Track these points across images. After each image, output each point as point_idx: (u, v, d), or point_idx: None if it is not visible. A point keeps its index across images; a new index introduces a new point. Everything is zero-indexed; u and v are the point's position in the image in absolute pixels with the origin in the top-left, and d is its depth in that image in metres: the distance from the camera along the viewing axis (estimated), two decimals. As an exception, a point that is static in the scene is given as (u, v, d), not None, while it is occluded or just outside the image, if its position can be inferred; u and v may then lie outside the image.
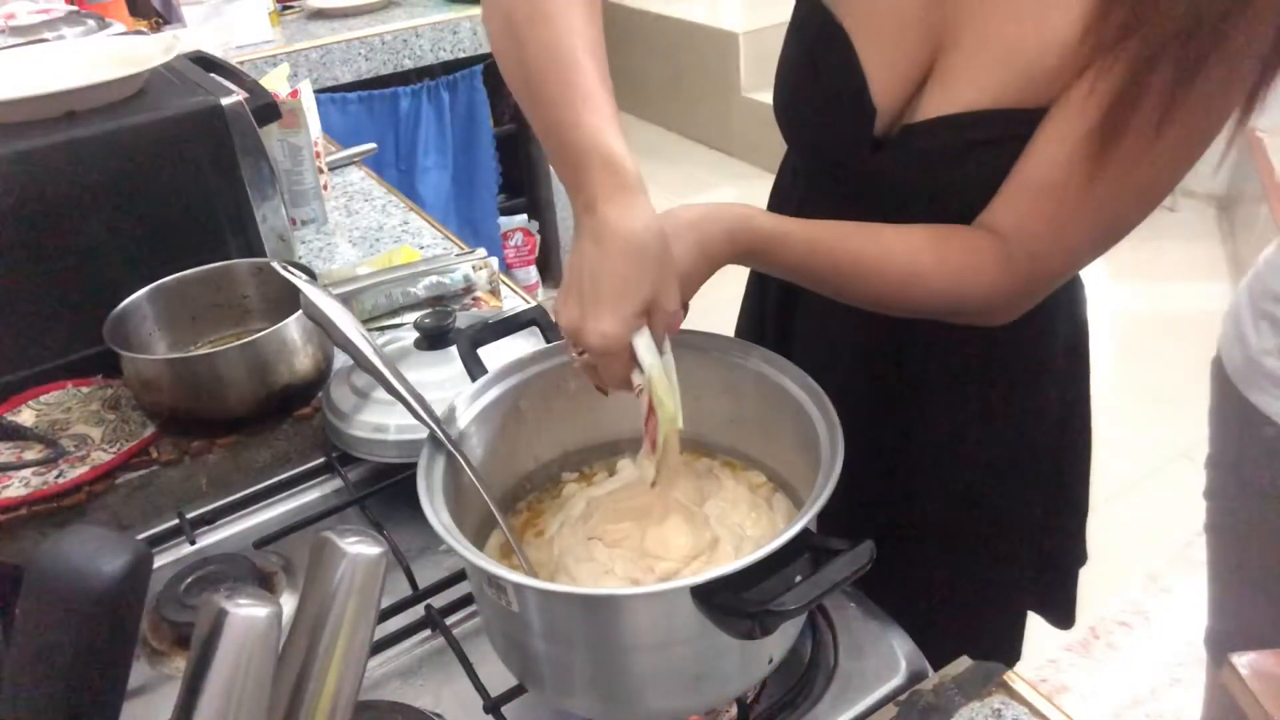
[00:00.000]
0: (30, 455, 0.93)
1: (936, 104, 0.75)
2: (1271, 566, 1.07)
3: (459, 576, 0.79)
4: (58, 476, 0.91)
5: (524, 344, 0.89)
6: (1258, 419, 1.01)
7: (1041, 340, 0.89)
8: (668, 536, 0.69)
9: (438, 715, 0.69)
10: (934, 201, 0.77)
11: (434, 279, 1.17)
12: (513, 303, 1.22)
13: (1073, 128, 0.68)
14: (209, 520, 0.93)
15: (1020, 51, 0.69)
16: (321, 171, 1.49)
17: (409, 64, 2.67)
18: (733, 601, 0.53)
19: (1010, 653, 1.06)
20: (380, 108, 2.69)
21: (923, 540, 0.95)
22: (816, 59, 0.81)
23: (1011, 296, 0.75)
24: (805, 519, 0.56)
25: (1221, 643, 1.14)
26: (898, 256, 0.74)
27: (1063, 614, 1.11)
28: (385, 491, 0.88)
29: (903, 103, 0.77)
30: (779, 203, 0.97)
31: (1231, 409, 1.05)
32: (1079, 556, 1.08)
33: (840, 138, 0.81)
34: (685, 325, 0.68)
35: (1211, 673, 1.18)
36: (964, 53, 0.73)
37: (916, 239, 0.74)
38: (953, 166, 0.75)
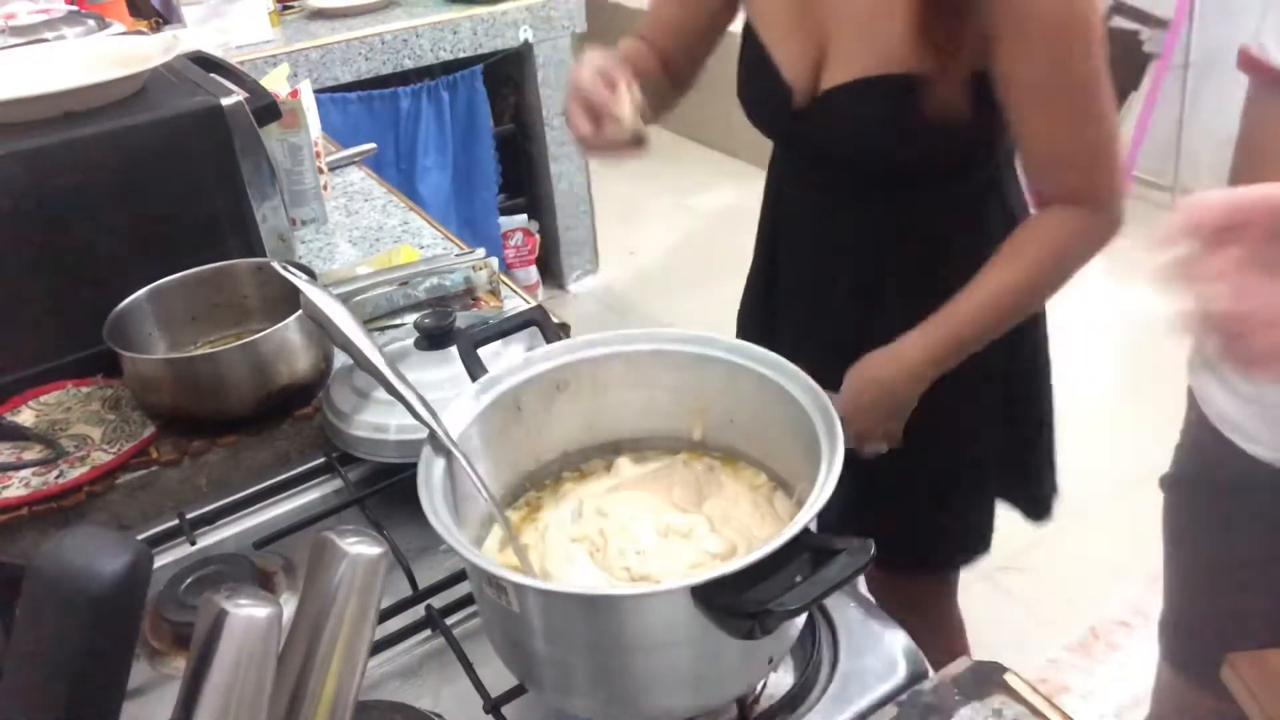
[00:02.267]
0: (30, 455, 0.93)
1: (831, 78, 0.99)
2: (1201, 557, 1.07)
3: (459, 576, 0.79)
4: (58, 476, 0.90)
5: (524, 344, 0.89)
6: (1191, 401, 1.02)
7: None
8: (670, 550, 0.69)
9: (438, 715, 0.69)
10: (842, 148, 1.02)
11: (434, 280, 1.17)
12: (513, 303, 1.22)
13: (1015, 114, 0.92)
14: (209, 520, 0.93)
15: (875, 33, 0.94)
16: (321, 171, 1.49)
17: (409, 64, 2.67)
18: (733, 601, 0.53)
19: (980, 542, 1.25)
20: (380, 108, 2.69)
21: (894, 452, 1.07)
22: (750, 59, 1.07)
23: (1099, 225, 0.97)
24: (805, 519, 0.56)
25: (1174, 631, 1.14)
26: (1029, 279, 0.97)
27: (1031, 506, 1.29)
28: (385, 491, 0.88)
29: (811, 81, 1.01)
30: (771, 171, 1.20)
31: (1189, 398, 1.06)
32: (1041, 456, 1.27)
33: (774, 113, 1.06)
34: (687, 327, 0.74)
35: (1162, 664, 1.17)
36: (840, 40, 0.97)
37: (1028, 255, 0.97)
38: (849, 122, 0.99)
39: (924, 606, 1.32)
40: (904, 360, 0.98)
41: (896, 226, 1.05)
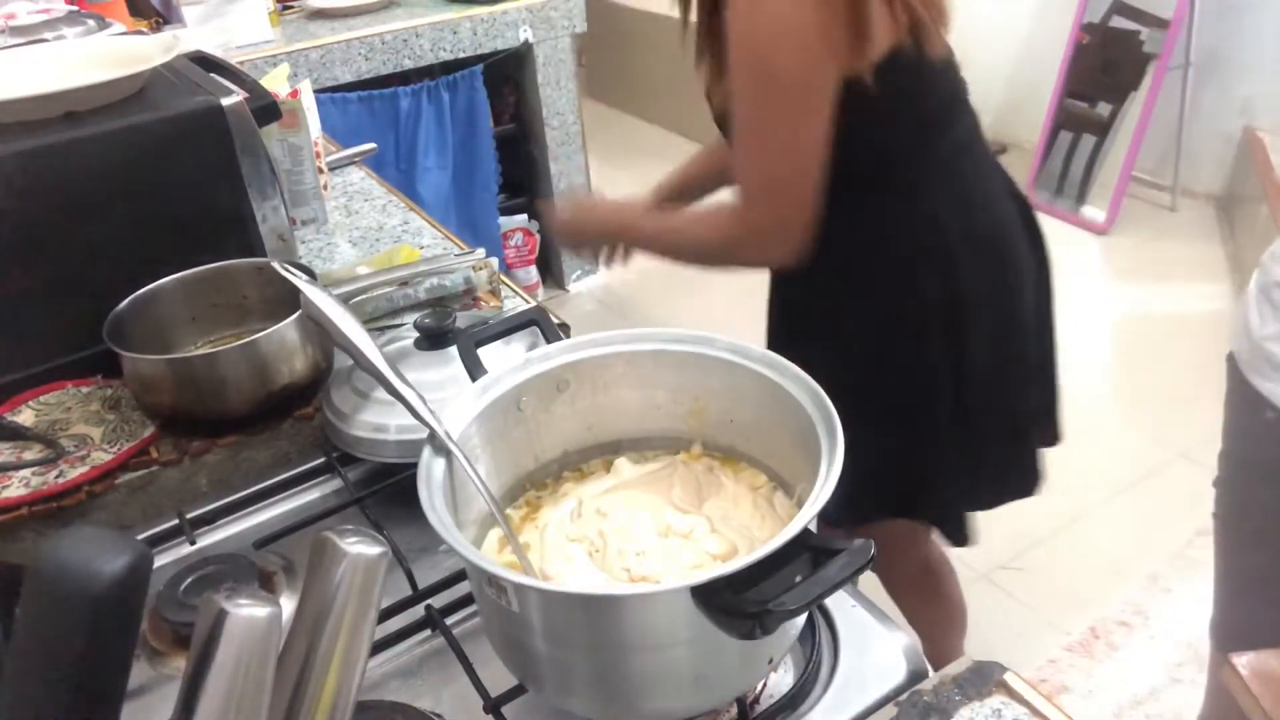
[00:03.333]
0: (30, 455, 0.93)
1: (722, 104, 1.11)
2: (1274, 556, 1.08)
3: (459, 576, 0.79)
4: (58, 476, 0.90)
5: (524, 344, 0.89)
6: (1261, 403, 1.03)
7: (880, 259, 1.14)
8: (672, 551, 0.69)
9: (438, 715, 0.69)
10: None
11: (434, 280, 1.17)
12: (513, 303, 1.22)
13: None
14: (209, 520, 0.93)
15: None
16: (321, 171, 1.49)
17: (409, 64, 2.67)
18: (733, 601, 0.53)
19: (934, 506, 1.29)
20: (380, 108, 2.69)
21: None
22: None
23: (747, 235, 1.08)
24: (805, 519, 0.56)
25: (1225, 634, 1.15)
26: (690, 231, 1.17)
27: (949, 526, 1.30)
28: (385, 491, 0.88)
29: (720, 108, 1.13)
30: None
31: (1239, 396, 1.07)
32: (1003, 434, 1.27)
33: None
34: (687, 328, 0.75)
35: (1215, 664, 1.18)
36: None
37: (699, 225, 1.16)
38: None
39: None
40: (618, 213, 1.26)
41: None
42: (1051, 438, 1.34)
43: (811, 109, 0.99)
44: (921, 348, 1.14)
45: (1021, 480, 1.31)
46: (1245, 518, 1.11)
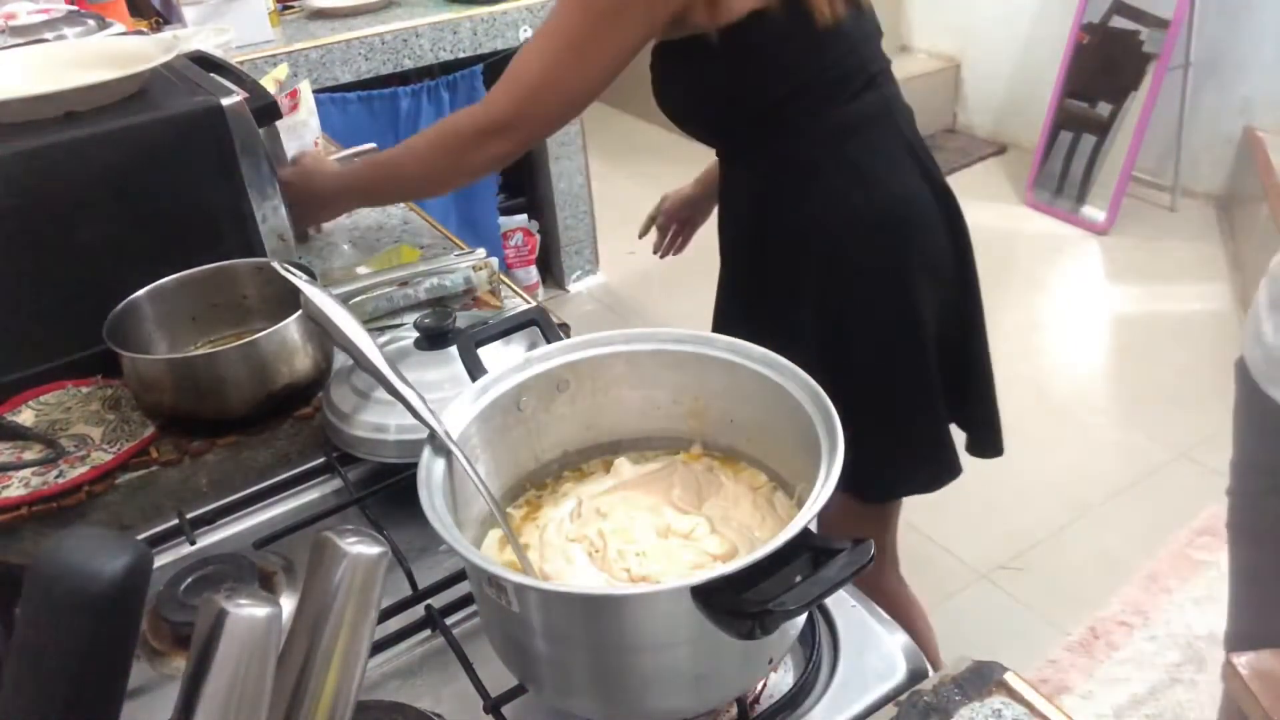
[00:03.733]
0: (30, 455, 0.93)
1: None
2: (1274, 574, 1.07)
3: (459, 576, 0.79)
4: (58, 476, 0.90)
5: (524, 344, 0.89)
6: (1276, 413, 1.02)
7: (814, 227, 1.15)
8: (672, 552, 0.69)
9: (438, 715, 0.69)
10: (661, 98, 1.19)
11: (434, 280, 1.17)
12: (513, 303, 1.22)
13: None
14: (209, 520, 0.93)
15: None
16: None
17: (409, 64, 2.67)
18: (733, 601, 0.53)
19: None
20: (380, 108, 2.69)
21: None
22: None
23: (484, 123, 1.08)
24: (805, 519, 0.56)
25: (1241, 646, 1.14)
26: (413, 142, 1.15)
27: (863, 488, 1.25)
28: (385, 491, 0.88)
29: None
30: None
31: (1254, 407, 1.06)
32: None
33: None
34: (687, 327, 0.75)
35: (1228, 674, 1.18)
36: None
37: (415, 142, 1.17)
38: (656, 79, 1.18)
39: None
40: (338, 177, 1.22)
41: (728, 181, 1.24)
42: (992, 449, 1.32)
43: (608, 35, 1.03)
44: (805, 314, 1.16)
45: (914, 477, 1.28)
46: (1260, 528, 1.11)
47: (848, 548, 0.54)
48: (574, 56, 1.05)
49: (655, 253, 1.65)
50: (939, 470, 1.25)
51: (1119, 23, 3.43)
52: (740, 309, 1.28)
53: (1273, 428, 1.04)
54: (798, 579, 0.54)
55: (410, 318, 1.11)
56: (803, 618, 0.65)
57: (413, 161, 1.15)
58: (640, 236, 1.61)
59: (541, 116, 1.09)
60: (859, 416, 1.19)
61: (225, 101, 1.03)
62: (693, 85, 1.14)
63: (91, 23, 1.64)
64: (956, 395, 1.25)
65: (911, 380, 1.20)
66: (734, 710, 0.66)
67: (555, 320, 0.84)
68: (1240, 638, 1.15)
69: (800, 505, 0.67)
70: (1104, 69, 3.48)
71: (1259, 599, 1.13)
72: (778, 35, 1.04)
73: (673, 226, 1.63)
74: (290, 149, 1.40)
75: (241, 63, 1.57)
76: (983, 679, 0.68)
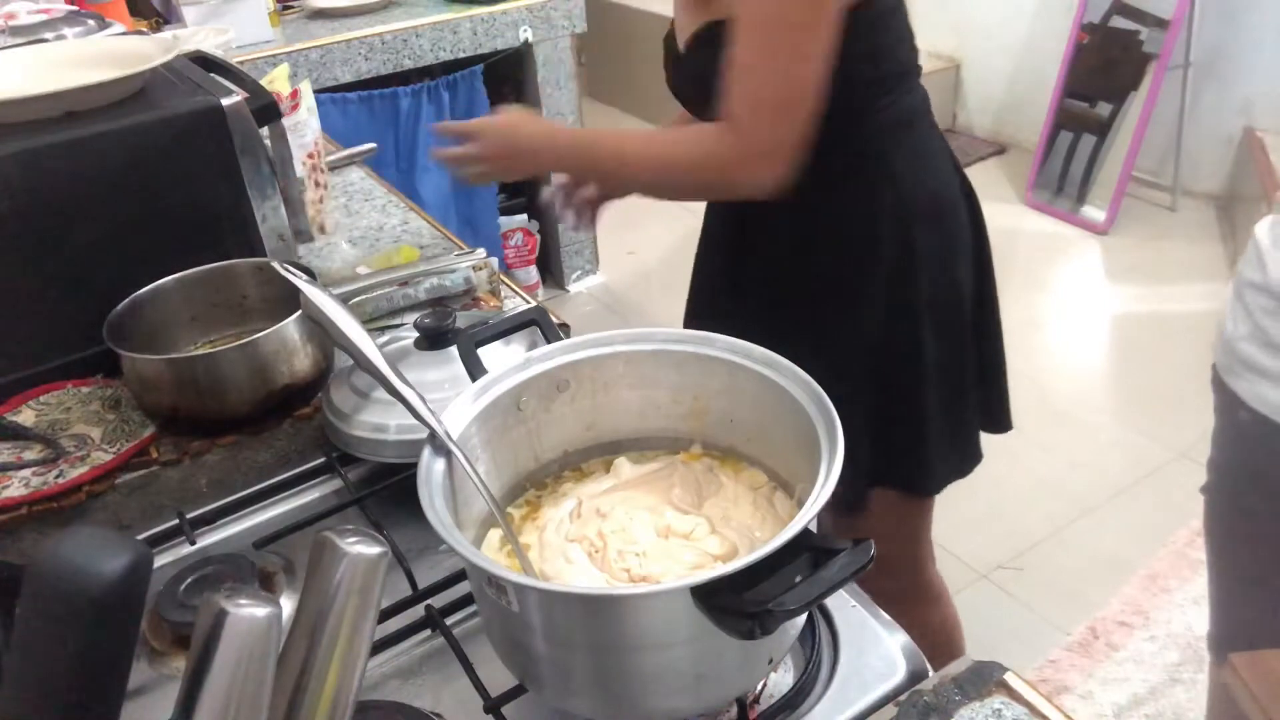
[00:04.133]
0: (30, 455, 0.93)
1: (692, 26, 1.11)
2: (1261, 560, 1.07)
3: (459, 576, 0.79)
4: (58, 476, 0.90)
5: (524, 344, 0.89)
6: (1237, 404, 1.03)
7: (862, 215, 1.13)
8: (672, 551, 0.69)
9: (438, 715, 0.69)
10: (710, 82, 1.06)
11: (434, 280, 1.17)
12: (513, 303, 1.22)
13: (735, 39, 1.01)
14: (209, 520, 0.93)
15: None
16: (319, 185, 1.48)
17: (409, 64, 2.67)
18: (733, 601, 0.53)
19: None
20: (380, 108, 2.69)
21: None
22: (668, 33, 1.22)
23: (742, 156, 1.02)
24: (805, 519, 0.56)
25: (1223, 644, 1.14)
26: (661, 149, 1.11)
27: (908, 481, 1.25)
28: (385, 491, 0.88)
29: (688, 33, 1.13)
30: None
31: (1219, 400, 1.07)
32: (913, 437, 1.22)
33: (667, 69, 1.22)
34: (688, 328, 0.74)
35: (1214, 674, 1.18)
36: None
37: (671, 135, 1.13)
38: (702, 61, 1.08)
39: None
40: (551, 134, 1.17)
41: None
42: (1005, 423, 1.32)
43: (823, 19, 0.96)
44: (870, 309, 1.14)
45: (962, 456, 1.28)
46: (1232, 522, 1.11)
47: (847, 548, 0.54)
48: (805, 56, 0.98)
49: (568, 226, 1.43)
50: (973, 454, 1.26)
51: (1119, 23, 3.43)
52: (754, 308, 1.22)
53: (1235, 419, 1.05)
54: (798, 579, 0.54)
55: (410, 318, 1.11)
56: (803, 618, 0.65)
57: (644, 171, 1.10)
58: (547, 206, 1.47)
59: (797, 120, 1.00)
60: (923, 406, 1.19)
61: (225, 101, 1.03)
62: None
63: (91, 23, 1.65)
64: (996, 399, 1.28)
65: (963, 363, 1.21)
66: (734, 710, 0.66)
67: (555, 320, 0.84)
68: (1222, 638, 1.15)
69: (800, 505, 0.67)
70: (1104, 69, 3.48)
71: (1238, 596, 1.13)
72: (886, 11, 1.04)
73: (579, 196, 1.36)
74: (291, 149, 1.39)
75: (241, 63, 1.57)
76: (983, 679, 0.68)
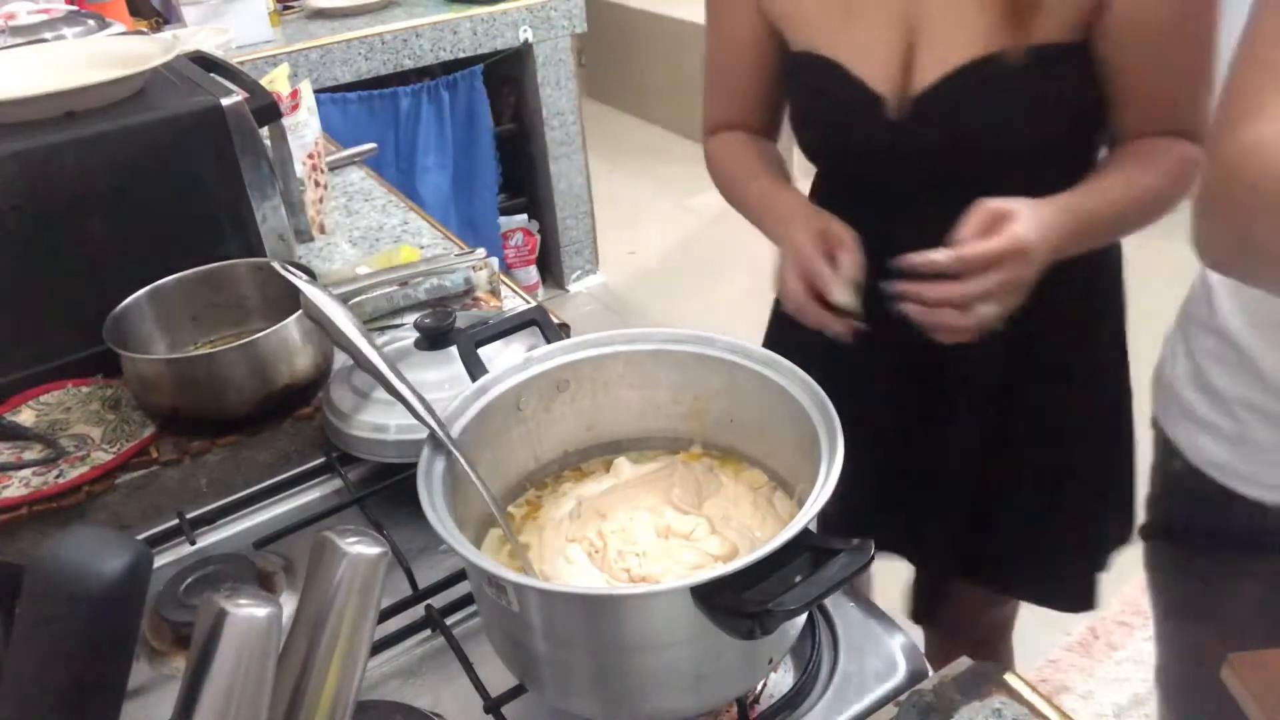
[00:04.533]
0: (30, 455, 0.93)
1: (932, 70, 0.89)
2: (1194, 601, 1.00)
3: (459, 576, 0.79)
4: (58, 476, 0.91)
5: (524, 344, 0.89)
6: (1171, 453, 0.94)
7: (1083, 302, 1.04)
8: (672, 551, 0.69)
9: (438, 715, 0.69)
10: (955, 157, 0.91)
11: (434, 280, 1.17)
12: (513, 303, 1.22)
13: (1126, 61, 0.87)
14: (209, 520, 0.93)
15: (968, 13, 0.85)
16: (321, 172, 1.49)
17: (409, 64, 2.67)
18: (733, 601, 0.53)
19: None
20: (380, 108, 2.70)
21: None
22: (810, 82, 0.98)
23: (1198, 157, 0.88)
24: (805, 519, 0.56)
25: (1170, 680, 1.10)
26: (1159, 183, 0.91)
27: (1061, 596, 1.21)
28: (385, 491, 0.88)
29: (899, 84, 0.91)
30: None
31: (1155, 440, 0.98)
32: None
33: (864, 128, 0.94)
34: (687, 327, 0.75)
35: (1162, 711, 1.13)
36: (931, 31, 0.88)
37: (1158, 164, 0.91)
38: (963, 118, 0.89)
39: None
40: (1044, 223, 0.82)
41: None
42: None
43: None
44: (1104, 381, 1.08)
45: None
46: (1168, 562, 1.03)
47: (847, 548, 0.54)
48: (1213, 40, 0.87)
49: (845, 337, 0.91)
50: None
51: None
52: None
53: (1171, 472, 0.95)
54: (797, 579, 0.54)
55: (410, 318, 1.11)
56: (803, 618, 0.65)
57: (1153, 199, 0.92)
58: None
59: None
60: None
61: (225, 101, 1.03)
62: (1066, 96, 0.90)
63: (91, 23, 1.65)
64: None
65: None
66: (734, 710, 0.66)
67: (555, 320, 0.84)
68: (1170, 675, 1.10)
69: (800, 505, 0.67)
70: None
71: (1180, 639, 1.07)
72: None
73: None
74: (291, 149, 1.40)
75: (241, 63, 1.57)
76: (983, 679, 0.68)
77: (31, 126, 0.97)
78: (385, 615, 0.76)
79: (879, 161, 0.96)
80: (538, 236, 3.27)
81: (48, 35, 1.57)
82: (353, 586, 0.44)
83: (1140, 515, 1.08)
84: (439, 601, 0.77)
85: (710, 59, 1.11)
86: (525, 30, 2.82)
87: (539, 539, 0.72)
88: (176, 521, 0.90)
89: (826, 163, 1.05)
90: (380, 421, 0.89)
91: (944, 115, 0.90)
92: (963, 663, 0.69)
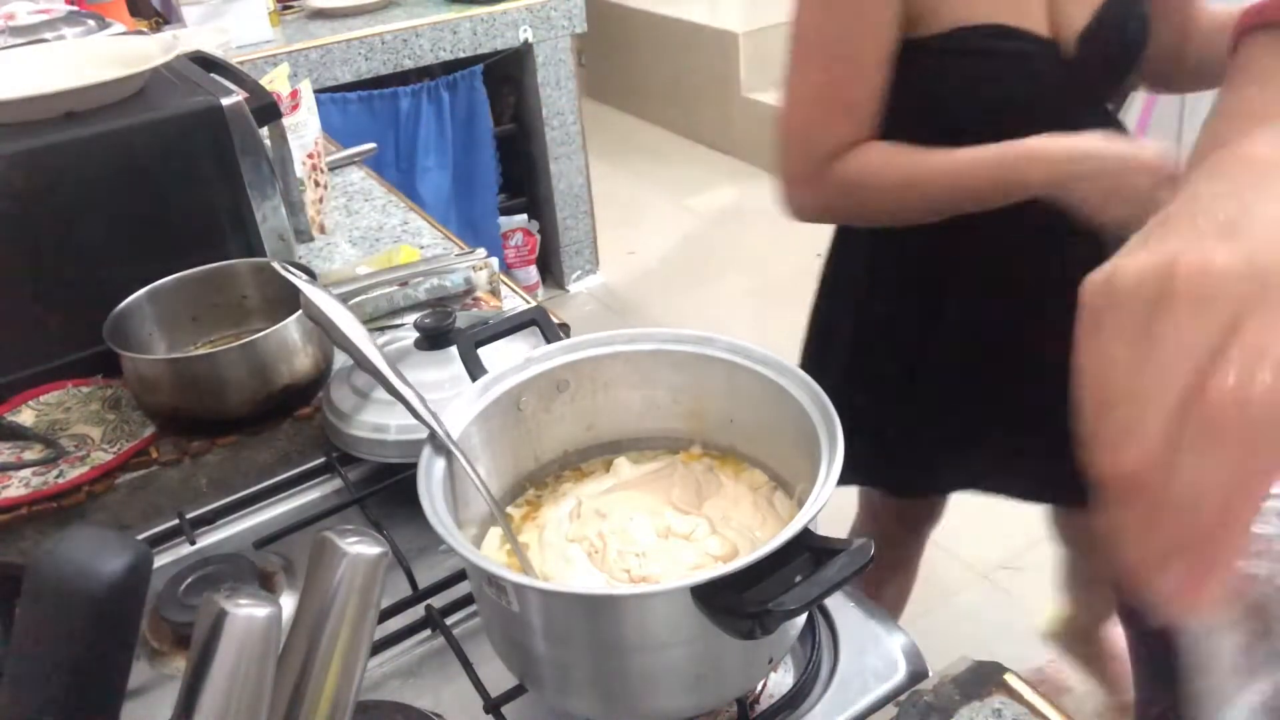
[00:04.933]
0: (30, 455, 0.93)
1: (1080, 5, 0.98)
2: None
3: (459, 576, 0.79)
4: (58, 476, 0.91)
5: (524, 344, 0.89)
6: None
7: None
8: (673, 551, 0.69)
9: (438, 715, 0.69)
10: (1121, 77, 1.07)
11: (434, 280, 1.17)
12: (513, 303, 1.22)
13: None
14: (209, 520, 0.93)
15: None
16: (321, 171, 1.49)
17: (409, 64, 2.67)
18: (733, 601, 0.53)
19: None
20: (380, 108, 2.70)
21: None
22: (986, 52, 0.99)
23: None
24: (805, 519, 0.56)
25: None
26: None
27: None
28: (385, 491, 0.88)
29: (1057, 27, 0.99)
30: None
31: None
32: None
33: (1038, 83, 1.01)
34: (687, 327, 0.74)
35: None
36: None
37: None
38: (1128, 36, 1.02)
39: None
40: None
41: None
42: None
43: None
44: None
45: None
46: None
47: (847, 548, 0.54)
48: None
49: None
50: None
51: (1119, 23, 3.43)
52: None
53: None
54: (798, 579, 0.54)
55: (410, 318, 1.11)
56: (803, 618, 0.65)
57: None
58: None
59: None
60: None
61: (225, 101, 1.03)
62: None
63: (91, 23, 1.65)
64: None
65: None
66: (734, 710, 0.66)
67: (555, 320, 0.84)
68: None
69: (800, 505, 0.67)
70: (1104, 69, 3.48)
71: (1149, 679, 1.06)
72: None
73: None
74: (291, 149, 1.40)
75: (241, 63, 1.57)
76: (983, 679, 0.68)
77: (31, 126, 0.97)
78: (385, 615, 0.76)
79: (1048, 103, 1.00)
80: (538, 236, 3.27)
81: (48, 35, 1.57)
82: (353, 586, 0.44)
83: None
84: (439, 601, 0.77)
85: (827, 77, 1.01)
86: (525, 30, 2.82)
87: (539, 539, 0.72)
88: (176, 521, 0.90)
89: (979, 130, 1.00)
90: (380, 421, 0.89)
91: (1110, 42, 0.99)
92: (963, 662, 0.69)
